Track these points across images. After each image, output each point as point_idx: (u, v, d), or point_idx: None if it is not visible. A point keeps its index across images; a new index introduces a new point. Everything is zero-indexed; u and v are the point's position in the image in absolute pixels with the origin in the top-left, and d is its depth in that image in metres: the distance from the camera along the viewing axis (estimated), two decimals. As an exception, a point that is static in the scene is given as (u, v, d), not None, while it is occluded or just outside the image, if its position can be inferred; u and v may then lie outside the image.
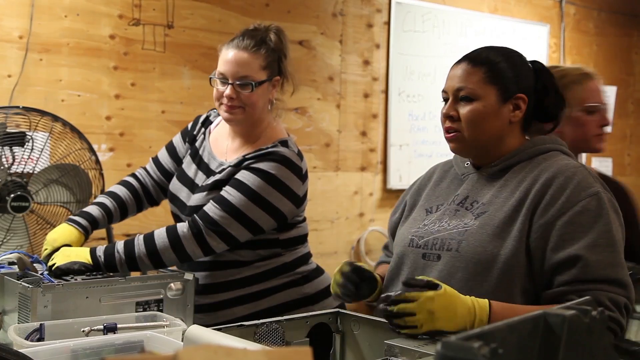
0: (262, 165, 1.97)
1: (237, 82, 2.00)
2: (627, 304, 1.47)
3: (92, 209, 2.12)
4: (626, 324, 1.49)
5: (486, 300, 1.46)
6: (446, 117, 1.64)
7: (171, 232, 1.93)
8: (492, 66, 1.62)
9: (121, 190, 2.21)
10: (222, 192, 1.96)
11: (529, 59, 1.70)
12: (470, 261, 1.54)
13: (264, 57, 2.02)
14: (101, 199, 2.18)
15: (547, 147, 1.65)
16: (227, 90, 2.00)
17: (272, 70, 2.05)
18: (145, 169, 2.28)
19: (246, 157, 2.01)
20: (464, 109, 1.61)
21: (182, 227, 1.93)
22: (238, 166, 2.01)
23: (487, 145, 1.64)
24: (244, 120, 2.04)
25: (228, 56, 2.01)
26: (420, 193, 1.80)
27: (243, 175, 1.97)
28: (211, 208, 1.94)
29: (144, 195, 2.24)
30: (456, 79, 1.64)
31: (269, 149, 2.00)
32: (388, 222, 1.92)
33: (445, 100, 1.67)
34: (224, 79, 2.01)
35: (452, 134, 1.64)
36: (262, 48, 2.02)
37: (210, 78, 2.05)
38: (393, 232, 1.84)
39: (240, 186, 1.95)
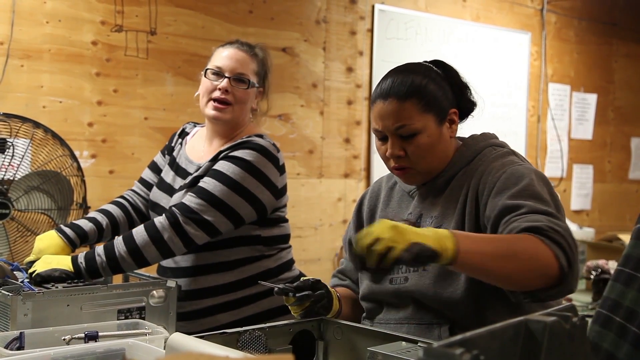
0: (237, 153, 2.00)
1: (234, 77, 2.06)
2: (569, 231, 1.43)
3: (83, 223, 2.09)
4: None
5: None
6: (392, 157, 1.63)
7: (149, 226, 1.93)
8: (421, 94, 1.61)
9: (113, 209, 2.20)
10: (200, 183, 1.99)
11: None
12: (438, 271, 1.57)
13: (257, 64, 2.13)
14: (93, 214, 2.16)
15: (480, 146, 1.68)
16: (223, 83, 2.05)
17: (260, 80, 2.14)
18: (132, 189, 2.29)
19: (222, 150, 2.05)
20: (410, 146, 1.61)
21: (160, 219, 1.94)
22: (214, 160, 2.04)
23: (437, 167, 1.67)
24: (231, 120, 2.08)
25: (227, 53, 2.09)
26: (373, 216, 1.81)
27: (219, 165, 2.00)
28: (188, 198, 1.96)
29: (135, 214, 2.23)
30: (390, 118, 1.61)
31: (244, 139, 2.05)
32: (344, 240, 1.90)
33: (381, 138, 1.66)
34: (220, 73, 2.07)
35: (403, 170, 1.65)
36: (257, 56, 2.14)
37: (206, 69, 2.09)
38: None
39: (216, 175, 1.98)
